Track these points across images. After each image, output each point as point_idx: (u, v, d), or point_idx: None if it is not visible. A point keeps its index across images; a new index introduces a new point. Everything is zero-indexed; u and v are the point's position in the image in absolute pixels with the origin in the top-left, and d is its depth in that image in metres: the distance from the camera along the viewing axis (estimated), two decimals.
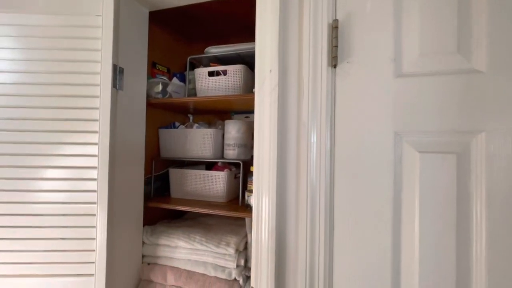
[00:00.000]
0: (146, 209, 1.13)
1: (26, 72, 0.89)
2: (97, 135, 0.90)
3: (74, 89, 0.89)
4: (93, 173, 0.90)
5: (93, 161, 0.90)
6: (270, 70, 0.73)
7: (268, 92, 0.74)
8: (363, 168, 0.67)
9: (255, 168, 0.76)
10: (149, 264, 1.09)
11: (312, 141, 0.70)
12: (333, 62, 0.69)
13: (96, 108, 0.90)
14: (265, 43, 0.74)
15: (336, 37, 0.68)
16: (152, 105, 1.16)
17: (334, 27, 0.69)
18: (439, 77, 0.63)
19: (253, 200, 1.02)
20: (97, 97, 0.90)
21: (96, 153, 0.90)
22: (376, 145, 0.66)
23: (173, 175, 1.22)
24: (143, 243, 1.10)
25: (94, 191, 0.90)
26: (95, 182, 0.90)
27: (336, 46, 0.68)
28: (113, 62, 0.90)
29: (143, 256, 1.10)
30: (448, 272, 0.61)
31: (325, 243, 0.70)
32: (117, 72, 0.93)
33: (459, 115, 0.61)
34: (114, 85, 0.92)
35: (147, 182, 1.16)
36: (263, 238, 0.73)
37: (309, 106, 0.70)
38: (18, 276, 0.90)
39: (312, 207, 0.70)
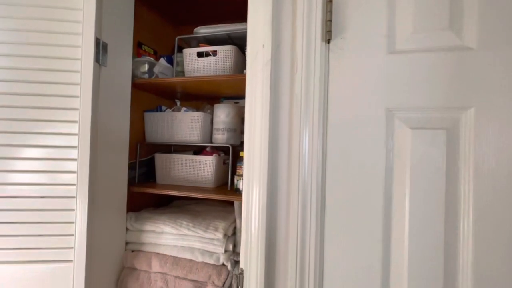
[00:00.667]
0: (130, 195, 1.08)
1: None
2: (77, 113, 0.84)
3: (52, 62, 0.83)
4: (73, 153, 0.84)
5: (73, 140, 0.84)
6: (263, 45, 0.71)
7: (261, 68, 0.72)
8: (356, 144, 0.67)
9: (246, 145, 0.74)
10: (132, 251, 1.04)
11: (305, 116, 0.68)
12: (327, 36, 0.68)
13: (77, 84, 0.84)
14: (258, 17, 0.72)
15: (331, 11, 0.67)
16: (137, 86, 1.11)
17: (329, 1, 0.67)
18: (430, 53, 0.63)
19: (243, 183, 1.00)
20: (77, 72, 0.84)
21: (76, 131, 0.84)
22: (368, 121, 0.66)
23: (159, 160, 1.17)
24: (127, 229, 1.05)
25: (74, 172, 0.84)
26: (75, 163, 0.84)
27: (330, 21, 0.67)
28: (95, 35, 0.85)
29: (126, 243, 1.06)
30: (436, 246, 0.62)
31: (316, 220, 0.69)
32: (100, 46, 0.88)
33: (449, 91, 0.62)
34: (96, 59, 0.86)
35: (131, 168, 1.11)
36: (252, 216, 0.71)
37: (302, 81, 0.69)
38: None
39: (303, 182, 0.69)
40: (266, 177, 0.71)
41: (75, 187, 0.84)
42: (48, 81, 0.83)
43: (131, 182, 1.10)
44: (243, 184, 0.74)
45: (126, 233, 1.05)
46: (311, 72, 0.69)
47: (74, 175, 0.84)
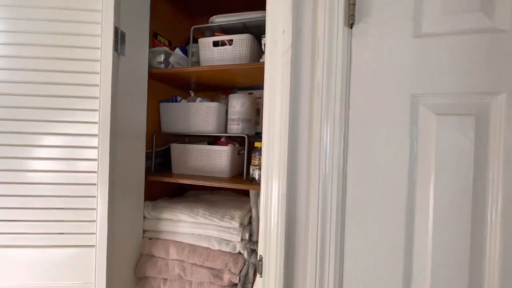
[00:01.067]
0: (147, 184, 1.10)
1: (21, 32, 0.84)
2: (97, 101, 0.85)
3: (73, 51, 0.85)
4: (94, 141, 0.86)
5: (94, 129, 0.86)
6: (283, 31, 0.70)
7: (281, 54, 0.71)
8: (378, 131, 0.65)
9: (264, 132, 0.73)
10: (150, 239, 1.06)
11: (326, 103, 0.67)
12: (350, 21, 0.66)
13: (97, 73, 0.85)
14: (278, 2, 0.70)
15: None
16: (153, 76, 1.11)
17: None
18: (459, 36, 0.61)
19: (260, 173, 1.00)
20: (97, 61, 0.85)
21: (97, 120, 0.86)
22: (392, 108, 0.64)
23: (175, 150, 1.18)
24: (144, 218, 1.08)
25: (95, 159, 0.86)
26: (95, 151, 0.86)
27: (354, 4, 0.66)
28: (114, 24, 0.86)
29: (144, 231, 1.08)
30: (462, 236, 0.60)
31: (337, 208, 0.68)
32: (119, 35, 0.89)
33: (479, 76, 0.60)
34: (115, 48, 0.87)
35: (147, 157, 1.12)
36: (272, 203, 0.71)
37: (324, 68, 0.67)
38: (16, 247, 0.86)
39: (324, 170, 0.68)
40: (286, 164, 0.70)
41: (95, 174, 0.86)
42: (69, 70, 0.84)
43: (147, 172, 1.11)
44: (262, 170, 0.74)
45: (143, 221, 1.07)
46: (333, 58, 0.67)
47: (95, 162, 0.86)
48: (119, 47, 0.89)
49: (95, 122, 0.86)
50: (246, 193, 1.27)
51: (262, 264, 0.73)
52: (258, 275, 0.75)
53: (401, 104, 0.64)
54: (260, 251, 0.75)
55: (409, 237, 0.64)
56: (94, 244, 0.87)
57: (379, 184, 0.65)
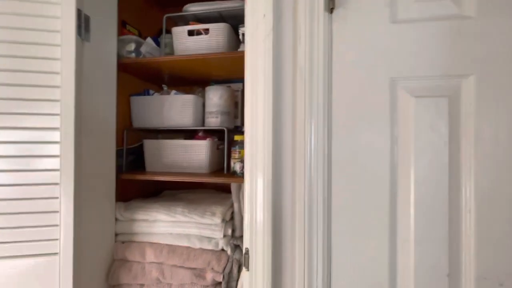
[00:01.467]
0: (118, 184, 1.01)
1: None
2: (58, 91, 0.76)
3: (30, 35, 0.75)
4: (56, 136, 0.77)
5: (56, 122, 0.77)
6: (264, 15, 0.68)
7: (262, 38, 0.69)
8: (361, 115, 0.66)
9: (247, 121, 0.71)
10: (123, 242, 0.98)
11: (309, 88, 0.67)
12: (330, 5, 0.66)
13: (57, 59, 0.76)
14: None
15: None
16: (123, 67, 1.03)
17: None
18: (431, 22, 0.64)
19: (241, 166, 0.97)
20: (57, 45, 0.76)
21: (59, 112, 0.77)
22: (372, 91, 0.66)
23: (149, 146, 1.11)
24: (116, 220, 0.99)
25: (57, 156, 0.77)
26: (57, 146, 0.77)
27: None
28: (76, 5, 0.78)
29: (116, 235, 0.99)
30: (441, 210, 0.63)
31: (323, 190, 0.68)
32: (82, 18, 0.81)
33: (449, 59, 0.63)
34: (78, 33, 0.79)
35: (118, 155, 1.04)
36: (258, 194, 0.69)
37: (305, 53, 0.67)
38: None
39: (310, 158, 0.67)
40: (271, 150, 0.68)
41: (58, 172, 0.77)
42: (25, 55, 0.75)
43: (118, 171, 1.03)
44: (246, 158, 0.71)
45: (115, 223, 0.98)
46: (315, 43, 0.67)
47: (57, 159, 0.77)
48: (82, 31, 0.81)
49: (57, 114, 0.76)
50: (226, 190, 1.23)
51: (248, 257, 0.70)
52: (243, 270, 0.72)
53: (381, 87, 0.66)
54: (246, 244, 0.72)
55: (392, 215, 0.65)
56: (58, 251, 0.77)
57: (362, 165, 0.66)
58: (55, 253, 0.78)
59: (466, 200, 0.62)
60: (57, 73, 0.77)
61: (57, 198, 0.77)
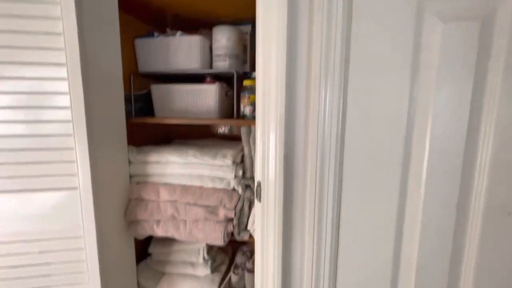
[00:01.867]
0: (129, 128, 1.02)
1: None
2: (61, 38, 0.73)
3: None
4: (64, 86, 0.76)
5: (62, 72, 0.75)
6: None
7: None
8: (383, 40, 0.62)
9: (259, 56, 0.67)
10: (138, 183, 1.02)
11: (327, 15, 0.62)
12: None
13: (57, 3, 0.72)
14: None
15: None
16: (125, 8, 0.96)
17: None
18: None
19: (251, 109, 0.95)
20: None
21: (64, 61, 0.74)
22: (396, 14, 0.60)
23: (157, 92, 1.09)
24: (130, 162, 1.01)
25: (68, 107, 0.77)
26: (67, 97, 0.76)
27: None
28: None
29: (131, 177, 1.02)
30: (457, 140, 0.62)
31: (336, 131, 0.67)
32: None
33: None
34: None
35: (126, 101, 1.02)
36: (270, 130, 0.68)
37: None
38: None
39: (324, 96, 0.65)
40: (284, 90, 0.66)
41: (71, 124, 0.77)
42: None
43: (128, 116, 1.02)
44: (257, 90, 0.69)
45: (129, 166, 1.01)
46: None
47: (68, 111, 0.77)
48: None
49: (63, 64, 0.75)
50: (236, 138, 1.24)
51: (260, 190, 0.73)
52: (256, 202, 0.75)
53: (406, 10, 0.60)
54: (258, 177, 0.73)
55: (405, 167, 0.65)
56: (77, 186, 0.81)
57: (380, 98, 0.64)
58: (75, 188, 0.81)
59: (485, 134, 0.60)
60: (58, 18, 0.72)
61: (72, 149, 0.79)
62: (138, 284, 1.09)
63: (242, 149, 1.01)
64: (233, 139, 1.29)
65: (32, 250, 0.82)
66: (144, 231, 0.98)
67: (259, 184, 0.73)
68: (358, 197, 0.70)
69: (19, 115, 0.76)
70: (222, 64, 1.04)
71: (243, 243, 1.24)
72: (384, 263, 0.70)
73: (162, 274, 1.11)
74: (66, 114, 0.77)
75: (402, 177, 0.66)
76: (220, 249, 1.19)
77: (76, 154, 0.79)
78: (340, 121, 0.67)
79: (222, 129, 1.37)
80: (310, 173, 0.70)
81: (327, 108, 0.66)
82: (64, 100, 0.77)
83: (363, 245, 0.71)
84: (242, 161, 1.01)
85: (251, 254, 1.16)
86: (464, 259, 0.66)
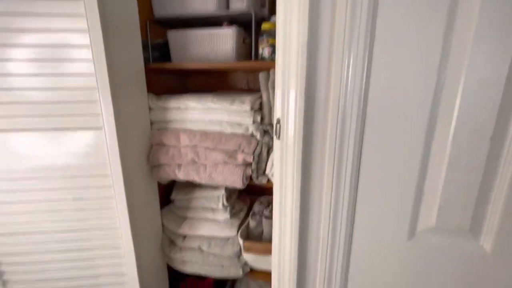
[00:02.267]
0: (148, 75, 1.01)
1: None
2: None
3: None
4: (85, 39, 0.76)
5: (82, 23, 0.75)
6: None
7: None
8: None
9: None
10: (158, 130, 1.04)
11: None
12: None
13: None
14: None
15: None
16: None
17: None
18: None
19: (270, 50, 0.91)
20: None
21: (83, 11, 0.74)
22: None
23: (173, 38, 1.06)
24: (150, 109, 1.03)
25: (90, 60, 0.78)
26: (88, 50, 0.77)
27: None
28: None
29: (151, 123, 1.05)
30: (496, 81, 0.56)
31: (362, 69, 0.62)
32: None
33: None
34: None
35: (144, 48, 1.01)
36: (291, 50, 0.65)
37: None
38: (18, 131, 0.83)
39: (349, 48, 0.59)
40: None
41: (94, 78, 0.79)
42: None
43: (145, 64, 1.02)
44: (278, 31, 0.65)
45: (149, 112, 1.03)
46: None
47: (91, 63, 0.78)
48: None
49: (82, 16, 0.74)
50: (254, 90, 1.21)
51: (280, 126, 0.71)
52: (275, 139, 0.74)
53: None
54: (278, 115, 0.72)
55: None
56: (101, 125, 0.84)
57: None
58: (100, 127, 0.84)
59: None
60: None
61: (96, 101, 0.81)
62: (162, 225, 1.16)
63: (260, 97, 0.99)
64: (250, 91, 1.26)
65: (66, 186, 0.88)
66: (167, 175, 1.02)
67: (278, 121, 0.71)
68: (379, 141, 0.67)
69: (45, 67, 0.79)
70: (239, 4, 0.99)
71: (261, 194, 1.28)
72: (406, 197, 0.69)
73: (184, 218, 1.18)
74: (88, 66, 0.79)
75: (431, 116, 0.62)
76: (239, 198, 1.23)
77: (99, 95, 0.81)
78: (367, 57, 0.62)
79: (240, 81, 1.34)
80: (332, 112, 0.67)
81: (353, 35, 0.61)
82: (85, 53, 0.78)
83: (384, 183, 0.70)
84: (261, 108, 0.99)
85: (268, 204, 1.20)
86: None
